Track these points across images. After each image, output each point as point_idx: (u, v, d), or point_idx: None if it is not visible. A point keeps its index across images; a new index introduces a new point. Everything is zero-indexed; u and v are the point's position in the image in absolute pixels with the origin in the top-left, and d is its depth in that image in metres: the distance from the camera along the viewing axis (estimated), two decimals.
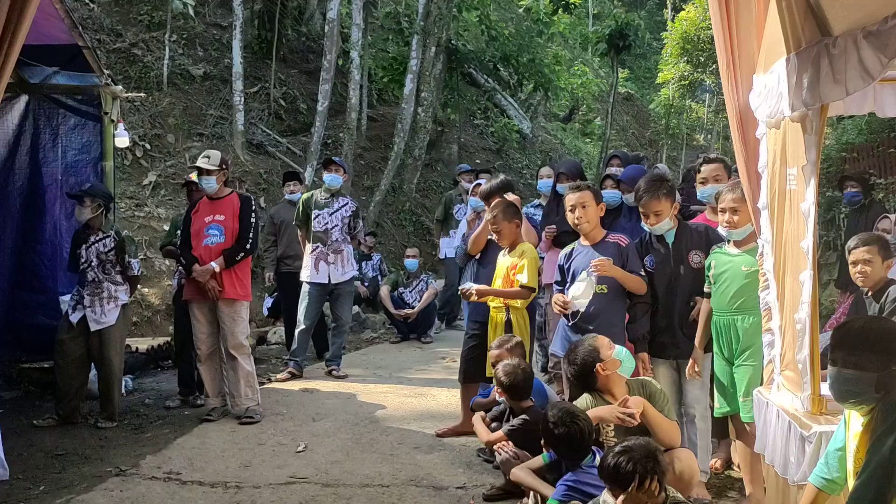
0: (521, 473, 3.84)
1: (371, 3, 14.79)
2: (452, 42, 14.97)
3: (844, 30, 2.65)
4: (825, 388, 2.94)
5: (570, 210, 4.51)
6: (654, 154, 24.69)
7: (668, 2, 27.98)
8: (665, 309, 4.37)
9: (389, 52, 16.39)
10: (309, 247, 7.33)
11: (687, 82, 20.28)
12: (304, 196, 7.50)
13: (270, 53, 13.81)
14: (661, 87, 23.22)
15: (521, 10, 21.58)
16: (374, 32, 16.37)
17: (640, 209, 4.38)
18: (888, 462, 2.37)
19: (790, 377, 3.19)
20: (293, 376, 7.21)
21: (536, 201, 7.18)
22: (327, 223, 7.28)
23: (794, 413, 3.03)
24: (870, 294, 4.22)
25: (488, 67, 16.00)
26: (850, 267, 4.28)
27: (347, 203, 7.43)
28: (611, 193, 5.73)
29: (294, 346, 7.36)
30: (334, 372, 7.33)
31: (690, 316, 4.28)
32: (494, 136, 17.98)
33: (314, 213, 7.28)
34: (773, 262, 3.34)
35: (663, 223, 4.30)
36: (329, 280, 7.26)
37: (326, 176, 7.41)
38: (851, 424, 2.59)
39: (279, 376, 7.20)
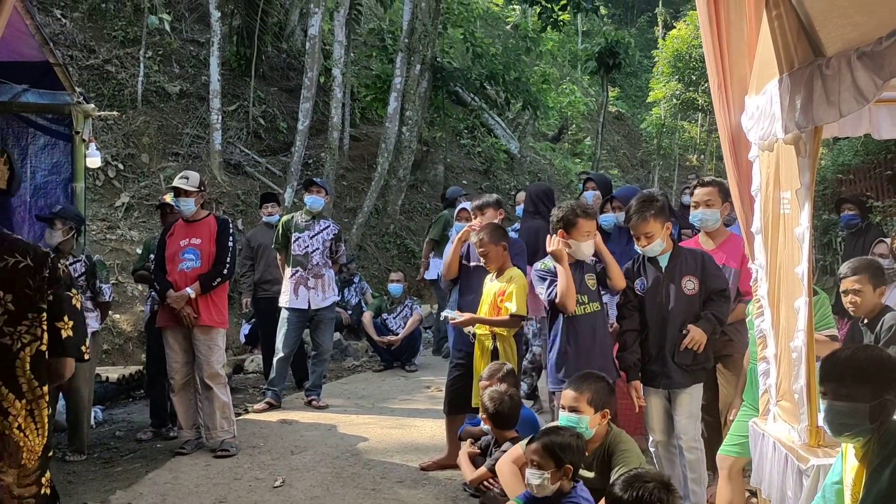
0: None
1: (354, 19, 14.87)
2: (437, 60, 15.07)
3: (838, 50, 2.68)
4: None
5: None
6: (645, 175, 24.89)
7: (659, 19, 28.37)
8: (656, 336, 4.36)
9: (373, 69, 16.47)
10: (288, 271, 7.30)
11: (679, 101, 20.52)
12: (284, 218, 7.49)
13: (249, 70, 13.83)
14: (652, 106, 23.49)
15: (508, 28, 21.81)
16: (357, 49, 16.45)
17: (631, 231, 4.40)
18: (887, 494, 2.36)
19: (786, 408, 3.20)
20: (271, 406, 7.16)
21: (516, 225, 7.20)
22: (308, 247, 7.26)
23: (791, 445, 3.03)
24: (865, 322, 4.24)
25: (475, 86, 16.09)
26: (842, 296, 4.30)
27: (329, 226, 7.42)
28: (607, 217, 5.77)
29: (272, 374, 7.31)
30: (314, 402, 7.28)
31: (683, 344, 4.26)
32: (481, 156, 18.06)
33: (294, 236, 7.26)
34: (767, 288, 3.36)
35: (655, 245, 4.30)
36: (309, 306, 7.23)
37: (308, 198, 7.40)
38: (848, 457, 2.60)
39: (256, 407, 7.14)
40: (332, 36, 14.10)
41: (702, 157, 24.78)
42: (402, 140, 14.02)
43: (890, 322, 4.10)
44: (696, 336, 4.22)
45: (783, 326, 3.20)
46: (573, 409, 3.76)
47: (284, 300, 7.28)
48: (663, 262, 4.38)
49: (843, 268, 4.33)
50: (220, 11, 12.86)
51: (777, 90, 2.99)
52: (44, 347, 2.78)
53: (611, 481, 3.25)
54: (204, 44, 14.01)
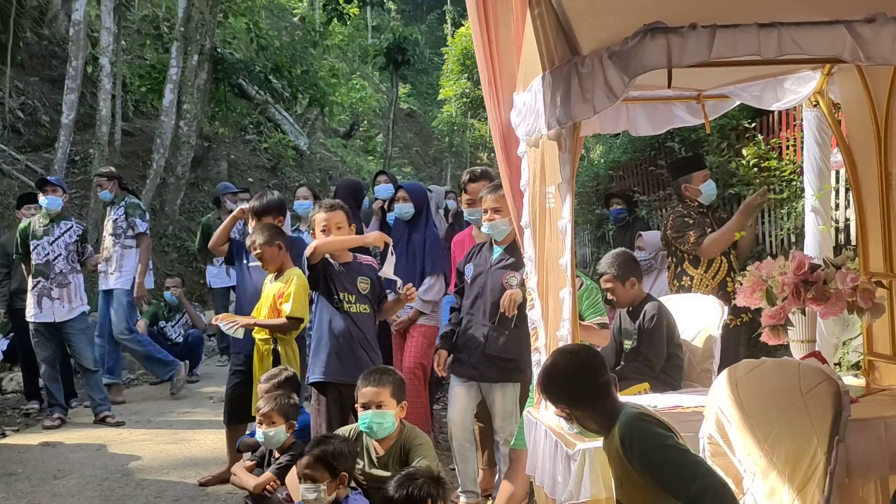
0: None
1: (124, 4, 14.08)
2: (218, 50, 14.59)
3: (592, 49, 2.84)
4: None
5: None
6: (438, 172, 25.48)
7: (448, 17, 29.09)
8: (468, 323, 4.45)
9: (147, 59, 15.69)
10: (31, 282, 6.84)
11: (469, 99, 21.14)
12: (22, 225, 7.02)
13: (5, 58, 12.72)
14: (443, 104, 24.05)
15: (295, 20, 21.52)
16: (129, 37, 15.59)
17: (483, 204, 4.44)
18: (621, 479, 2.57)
19: None
20: (62, 422, 6.84)
21: (296, 225, 7.14)
22: (48, 254, 6.82)
23: (560, 432, 3.18)
24: (629, 311, 4.55)
25: (259, 79, 15.74)
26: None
27: (72, 226, 6.98)
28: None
29: (48, 391, 6.96)
30: (109, 419, 6.91)
31: (501, 305, 4.27)
32: (268, 152, 17.71)
33: (32, 244, 6.82)
34: (536, 280, 3.51)
35: (499, 221, 4.34)
36: (55, 318, 6.82)
37: (43, 199, 6.92)
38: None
39: (45, 423, 6.81)
40: (100, 22, 13.27)
41: (492, 154, 25.69)
42: (179, 135, 13.45)
43: (651, 312, 4.40)
44: (514, 295, 4.23)
45: (551, 317, 3.36)
46: (378, 405, 3.76)
47: (30, 314, 6.87)
48: (496, 253, 4.46)
49: (600, 264, 4.65)
50: None
51: (540, 87, 3.12)
52: None
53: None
54: None
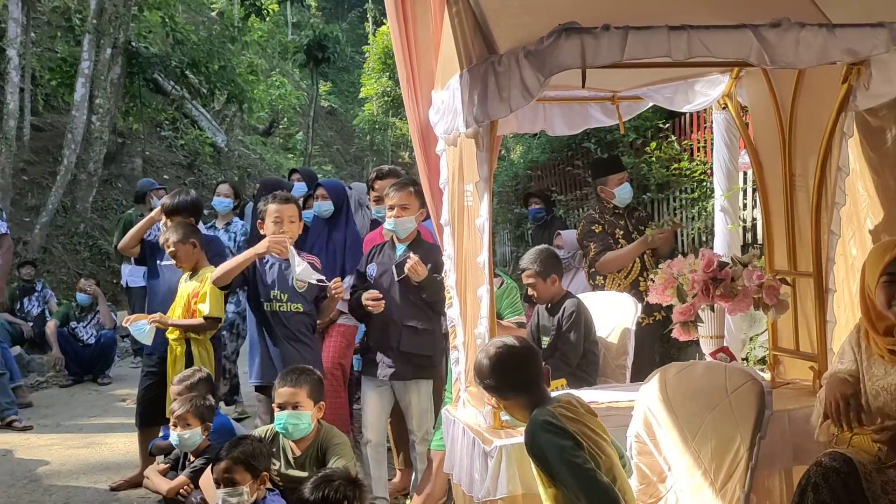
0: None
1: None
2: (133, 44, 14.16)
3: (509, 48, 2.86)
4: None
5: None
6: (359, 171, 25.33)
7: (369, 15, 28.95)
8: (379, 324, 4.40)
9: (58, 51, 15.12)
10: None
11: (390, 98, 21.08)
12: None
13: None
14: (364, 102, 23.92)
15: (213, 14, 21.08)
16: (38, 29, 14.98)
17: (388, 201, 4.38)
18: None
19: (473, 392, 3.37)
20: None
21: (211, 222, 6.98)
22: None
23: (477, 429, 3.19)
24: (547, 307, 4.61)
25: (175, 73, 15.34)
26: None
27: None
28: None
29: None
30: (16, 423, 6.63)
31: (406, 266, 4.23)
32: (185, 148, 17.29)
33: None
34: (455, 278, 3.51)
35: (407, 218, 4.32)
36: None
37: None
38: None
39: None
40: (8, 12, 12.73)
41: (413, 154, 25.67)
42: (91, 130, 13.00)
43: (570, 309, 4.47)
44: (417, 267, 4.20)
45: (469, 315, 3.36)
46: (295, 406, 3.70)
47: None
48: (399, 251, 4.42)
49: (522, 260, 4.70)
50: None
51: (458, 85, 3.12)
52: None
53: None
54: None
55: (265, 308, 4.45)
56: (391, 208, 4.36)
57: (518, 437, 2.93)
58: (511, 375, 2.69)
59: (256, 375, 4.51)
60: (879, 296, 2.95)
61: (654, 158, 6.54)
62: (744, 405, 2.76)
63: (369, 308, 4.32)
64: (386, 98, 21.35)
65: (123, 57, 13.60)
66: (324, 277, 4.43)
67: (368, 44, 23.32)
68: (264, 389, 4.37)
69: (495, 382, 2.72)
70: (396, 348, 4.35)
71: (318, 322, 4.67)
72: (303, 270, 4.32)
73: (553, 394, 2.81)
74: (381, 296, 4.31)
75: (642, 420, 3.08)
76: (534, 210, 7.57)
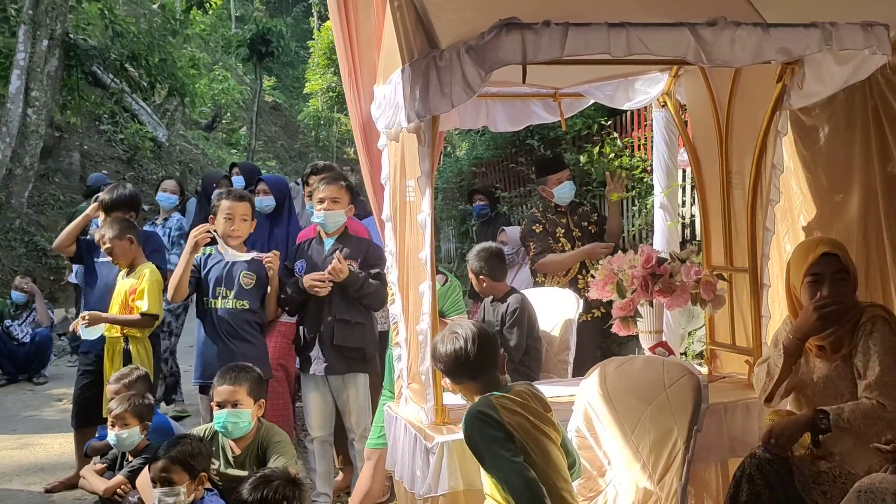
0: None
1: None
2: (70, 36, 13.80)
3: (450, 43, 2.83)
4: (448, 398, 3.14)
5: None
6: (304, 167, 25.10)
7: (314, 10, 28.71)
8: (312, 319, 4.37)
9: None
10: None
11: (335, 94, 20.93)
12: None
13: None
14: (309, 98, 23.73)
15: (154, 6, 20.66)
16: None
17: (318, 195, 4.35)
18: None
19: (416, 389, 3.35)
20: None
21: (155, 218, 6.85)
22: None
23: (419, 426, 3.17)
24: (492, 301, 4.61)
25: (115, 66, 14.99)
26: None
27: None
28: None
29: None
30: None
31: (327, 271, 4.22)
32: (125, 143, 16.92)
33: None
34: (397, 274, 3.49)
35: (338, 212, 4.30)
36: None
37: None
38: None
39: None
40: None
41: (356, 150, 25.55)
42: (27, 124, 12.65)
43: (514, 305, 4.48)
44: (338, 267, 4.18)
45: (411, 311, 3.34)
46: (234, 404, 3.63)
47: None
48: (328, 245, 4.38)
49: (469, 256, 4.70)
50: None
51: (400, 80, 3.09)
52: None
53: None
54: None
55: (208, 305, 4.40)
56: (321, 201, 4.33)
57: (460, 433, 2.91)
58: (464, 361, 2.68)
59: (198, 374, 4.45)
60: (805, 296, 3.02)
61: (595, 157, 6.58)
62: (681, 399, 2.79)
63: (316, 290, 4.27)
64: (331, 94, 21.22)
65: (61, 49, 13.25)
66: (256, 253, 4.44)
67: (313, 39, 23.12)
68: (206, 388, 4.28)
69: (446, 367, 2.72)
70: (330, 342, 4.32)
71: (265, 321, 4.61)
72: (233, 253, 4.33)
73: (512, 384, 2.79)
74: (325, 277, 4.25)
75: (583, 415, 3.09)
76: (478, 207, 7.58)
